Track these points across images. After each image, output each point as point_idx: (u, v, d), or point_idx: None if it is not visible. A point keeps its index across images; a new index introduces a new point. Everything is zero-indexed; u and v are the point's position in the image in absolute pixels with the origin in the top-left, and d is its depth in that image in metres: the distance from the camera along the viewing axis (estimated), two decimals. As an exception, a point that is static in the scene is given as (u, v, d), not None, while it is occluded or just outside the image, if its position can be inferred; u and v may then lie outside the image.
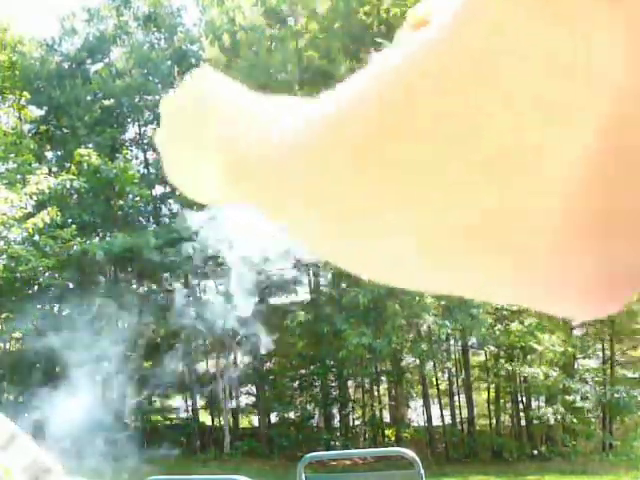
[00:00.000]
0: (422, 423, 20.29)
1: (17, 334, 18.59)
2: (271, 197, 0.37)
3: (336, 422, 20.98)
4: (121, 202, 19.62)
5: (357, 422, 21.09)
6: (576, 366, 17.61)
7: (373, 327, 16.11)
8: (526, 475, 14.60)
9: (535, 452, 16.68)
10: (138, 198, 19.89)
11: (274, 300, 19.89)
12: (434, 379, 19.67)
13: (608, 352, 17.53)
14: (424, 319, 15.69)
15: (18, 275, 16.83)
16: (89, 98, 20.61)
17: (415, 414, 21.51)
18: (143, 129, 22.27)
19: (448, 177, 0.24)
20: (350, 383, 21.02)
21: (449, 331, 16.09)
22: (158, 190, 21.83)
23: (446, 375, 19.57)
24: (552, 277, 0.25)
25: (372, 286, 15.78)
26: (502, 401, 18.63)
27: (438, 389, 19.88)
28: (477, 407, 19.49)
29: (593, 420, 16.46)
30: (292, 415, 20.94)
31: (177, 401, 22.84)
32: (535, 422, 16.95)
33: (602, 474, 14.04)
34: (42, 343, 18.02)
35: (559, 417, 15.45)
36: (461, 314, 15.41)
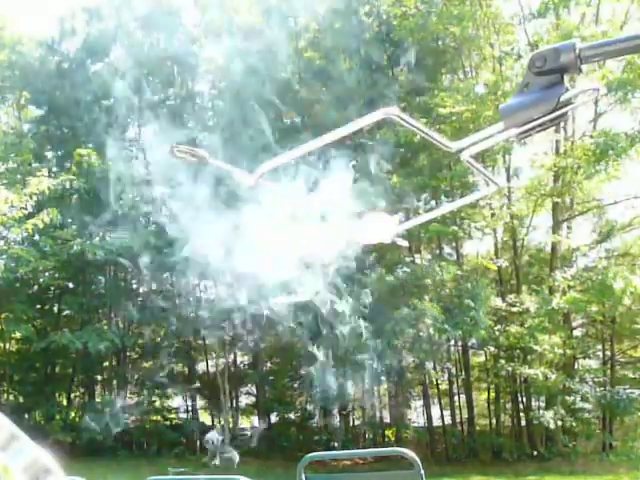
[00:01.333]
0: (422, 423, 20.28)
1: (17, 334, 18.59)
2: None
3: (336, 422, 20.97)
4: (121, 202, 19.60)
5: (357, 422, 21.07)
6: (576, 366, 17.60)
7: (372, 326, 16.07)
8: (526, 475, 14.59)
9: (535, 452, 16.66)
10: (138, 198, 19.87)
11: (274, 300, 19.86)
12: (434, 379, 19.66)
13: (608, 352, 17.53)
14: (424, 323, 15.69)
15: (18, 275, 16.81)
16: (89, 98, 20.60)
17: (415, 414, 21.50)
18: (143, 129, 22.27)
19: None
20: (350, 383, 20.99)
21: (449, 335, 16.09)
22: (158, 190, 21.80)
23: (446, 375, 19.56)
24: None
25: (371, 286, 15.75)
26: (502, 401, 18.61)
27: (438, 389, 19.86)
28: (477, 407, 19.47)
29: (593, 420, 16.44)
30: (292, 415, 20.93)
31: (177, 401, 22.83)
32: (535, 422, 16.93)
33: (602, 474, 14.02)
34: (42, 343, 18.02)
35: (559, 418, 15.42)
36: (461, 316, 15.39)
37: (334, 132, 1.06)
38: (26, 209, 13.79)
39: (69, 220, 17.81)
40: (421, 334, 16.29)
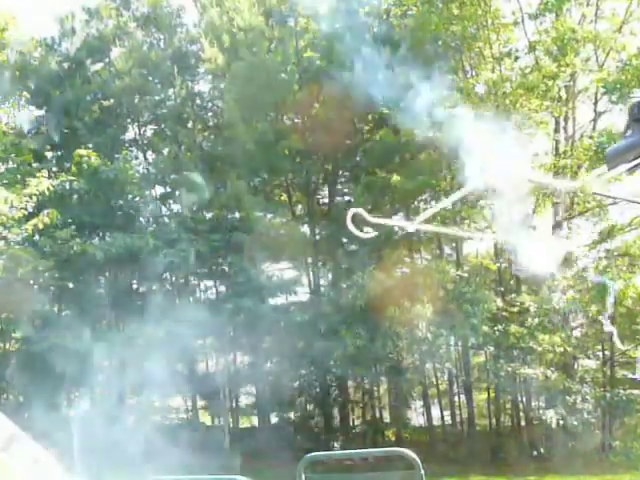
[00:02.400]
0: (422, 423, 20.29)
1: (17, 334, 18.56)
2: None
3: (336, 422, 20.97)
4: (121, 202, 19.60)
5: (357, 422, 21.08)
6: (576, 367, 17.58)
7: (370, 327, 16.06)
8: (526, 475, 14.59)
9: (535, 452, 16.65)
10: (138, 198, 19.87)
11: (274, 300, 19.87)
12: (434, 379, 19.66)
13: (608, 353, 17.51)
14: (419, 327, 15.71)
15: (19, 275, 16.79)
16: (89, 98, 20.59)
17: (415, 414, 21.51)
18: (143, 129, 22.26)
19: None
20: (350, 383, 21.00)
21: (444, 339, 16.11)
22: (158, 190, 21.84)
23: (446, 375, 19.55)
24: None
25: (369, 286, 15.75)
26: (502, 401, 18.61)
27: (438, 389, 19.86)
28: (477, 407, 19.47)
29: (593, 421, 16.42)
30: (292, 415, 20.93)
31: (177, 401, 22.83)
32: (535, 422, 16.93)
33: (602, 474, 14.02)
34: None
35: (559, 418, 15.40)
36: (458, 319, 15.38)
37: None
38: (26, 209, 13.77)
39: (69, 220, 17.79)
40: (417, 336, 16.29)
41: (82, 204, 19.37)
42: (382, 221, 1.76)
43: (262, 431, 19.98)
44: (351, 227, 1.86)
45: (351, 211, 1.81)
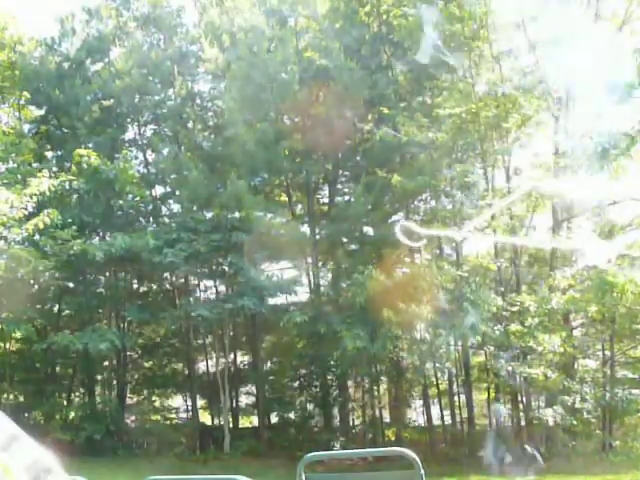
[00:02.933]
0: (422, 423, 20.29)
1: (17, 334, 18.57)
2: None
3: (336, 422, 20.99)
4: (121, 202, 19.61)
5: (357, 422, 21.08)
6: (576, 366, 17.58)
7: (370, 328, 16.05)
8: (526, 475, 14.57)
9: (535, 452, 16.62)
10: (138, 198, 19.87)
11: (273, 300, 19.87)
12: (434, 379, 19.65)
13: (608, 352, 17.51)
14: (419, 327, 15.72)
15: (19, 275, 16.79)
16: (89, 98, 20.59)
17: (415, 414, 21.52)
18: (143, 129, 22.27)
19: None
20: (350, 383, 21.01)
21: (444, 339, 16.10)
22: (158, 190, 21.84)
23: (446, 375, 19.55)
24: None
25: (369, 286, 15.74)
26: (502, 401, 18.59)
27: (438, 389, 19.86)
28: (477, 407, 19.46)
29: (593, 420, 16.41)
30: (292, 415, 20.94)
31: (177, 401, 22.85)
32: (535, 422, 16.90)
33: (602, 474, 14.01)
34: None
35: (559, 418, 15.38)
36: (458, 319, 15.37)
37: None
38: (26, 209, 13.76)
39: (69, 220, 17.79)
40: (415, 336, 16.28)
41: (82, 204, 19.38)
42: (430, 232, 1.83)
43: (262, 431, 19.98)
44: (401, 238, 2.00)
45: (400, 224, 1.95)
